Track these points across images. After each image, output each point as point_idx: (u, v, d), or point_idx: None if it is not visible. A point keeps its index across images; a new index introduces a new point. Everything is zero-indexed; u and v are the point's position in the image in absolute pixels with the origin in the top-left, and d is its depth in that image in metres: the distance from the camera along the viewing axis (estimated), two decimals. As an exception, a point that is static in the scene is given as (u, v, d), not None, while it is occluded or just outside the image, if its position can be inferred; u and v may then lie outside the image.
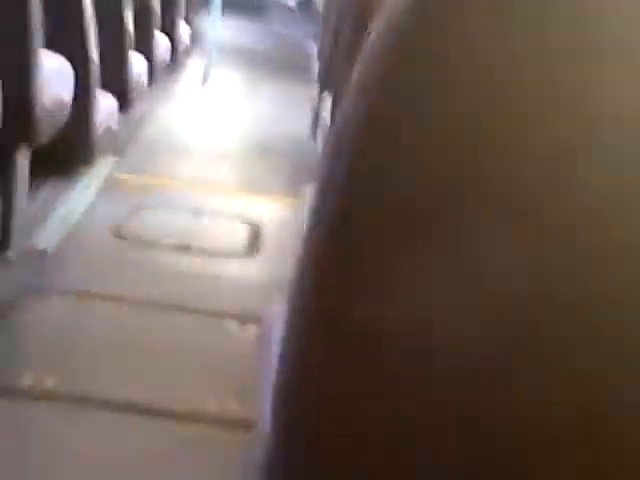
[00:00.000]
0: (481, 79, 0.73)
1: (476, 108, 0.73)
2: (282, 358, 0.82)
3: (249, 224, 3.48)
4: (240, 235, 3.39)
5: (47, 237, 3.03)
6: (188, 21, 5.79)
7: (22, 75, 2.50)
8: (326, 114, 3.42)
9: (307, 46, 6.40)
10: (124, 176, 3.91)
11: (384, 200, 0.76)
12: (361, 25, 2.25)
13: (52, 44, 2.76)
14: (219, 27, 6.49)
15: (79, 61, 2.99)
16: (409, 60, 0.75)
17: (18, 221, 2.75)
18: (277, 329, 0.94)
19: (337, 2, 3.73)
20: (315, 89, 4.66)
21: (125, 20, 3.76)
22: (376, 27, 0.76)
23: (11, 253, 2.75)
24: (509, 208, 0.73)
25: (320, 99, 4.02)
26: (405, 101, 0.74)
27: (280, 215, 3.65)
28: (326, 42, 4.17)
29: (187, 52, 6.03)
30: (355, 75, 0.77)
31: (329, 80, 3.70)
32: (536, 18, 0.72)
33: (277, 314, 0.98)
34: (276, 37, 8.00)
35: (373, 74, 0.76)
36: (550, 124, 0.72)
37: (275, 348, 0.89)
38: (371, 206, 0.76)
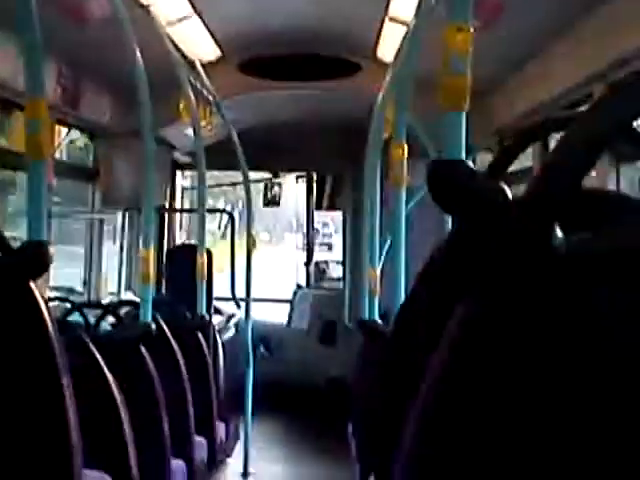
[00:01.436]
0: None
1: None
2: None
3: None
4: None
5: None
6: (223, 419, 5.82)
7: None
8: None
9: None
10: None
11: None
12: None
13: (92, 461, 2.76)
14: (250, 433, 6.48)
15: (121, 476, 2.98)
16: None
17: None
18: None
19: None
20: None
21: (164, 429, 3.79)
22: None
23: None
24: None
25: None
26: None
27: None
28: None
29: (225, 450, 6.01)
30: None
31: None
32: None
33: None
34: None
35: None
36: None
37: None
38: None
